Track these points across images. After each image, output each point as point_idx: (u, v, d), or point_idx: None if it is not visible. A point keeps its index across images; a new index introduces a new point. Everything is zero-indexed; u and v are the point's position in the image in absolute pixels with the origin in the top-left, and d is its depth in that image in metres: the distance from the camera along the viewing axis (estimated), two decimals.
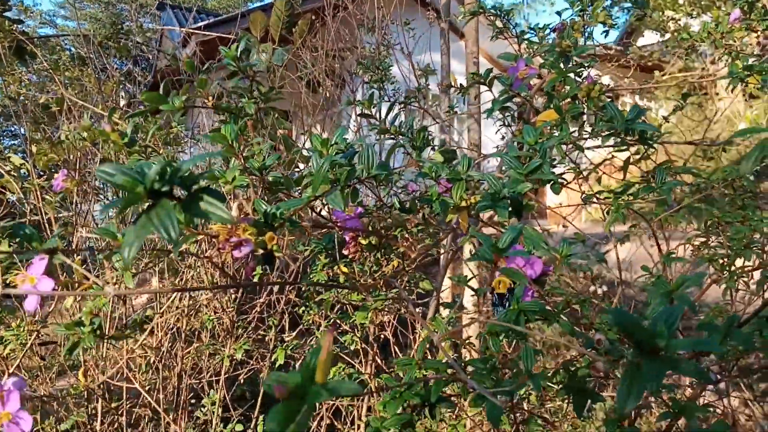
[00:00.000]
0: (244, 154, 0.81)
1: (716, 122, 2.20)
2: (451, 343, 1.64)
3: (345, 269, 0.94)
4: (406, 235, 1.10)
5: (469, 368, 0.66)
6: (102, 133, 0.73)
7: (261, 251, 0.60)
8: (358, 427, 2.24)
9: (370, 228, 0.99)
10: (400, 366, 0.66)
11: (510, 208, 0.87)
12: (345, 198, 0.68)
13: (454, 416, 1.24)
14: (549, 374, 0.74)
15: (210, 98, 0.78)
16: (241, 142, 0.79)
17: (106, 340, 0.66)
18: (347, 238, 0.98)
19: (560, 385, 0.77)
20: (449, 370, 0.61)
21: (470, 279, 1.12)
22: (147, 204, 0.42)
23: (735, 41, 1.36)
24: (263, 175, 0.77)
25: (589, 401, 0.73)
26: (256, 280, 1.18)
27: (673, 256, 0.96)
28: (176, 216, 0.39)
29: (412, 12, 3.45)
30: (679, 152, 2.66)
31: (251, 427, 2.37)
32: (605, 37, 1.54)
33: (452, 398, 0.70)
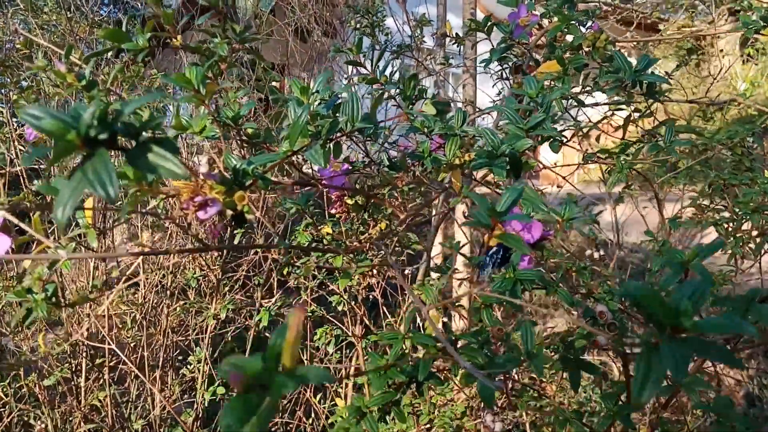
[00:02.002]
0: (217, 102, 0.74)
1: (718, 81, 2.12)
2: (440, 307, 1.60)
3: (329, 230, 0.88)
4: (396, 194, 1.04)
5: (460, 342, 0.61)
6: (57, 73, 0.65)
7: (230, 212, 0.53)
8: (346, 386, 2.23)
9: (356, 187, 0.92)
10: (386, 339, 0.61)
11: (508, 167, 0.80)
12: (326, 153, 0.61)
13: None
14: (544, 344, 0.69)
15: (179, 36, 0.70)
16: (213, 88, 0.71)
17: (63, 308, 0.60)
18: (333, 197, 0.92)
19: (555, 356, 0.73)
20: (438, 344, 0.56)
21: (463, 245, 1.06)
22: (83, 155, 0.35)
23: None
24: (238, 125, 0.69)
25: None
26: (236, 241, 1.12)
27: (678, 219, 0.91)
28: (113, 170, 0.33)
29: None
30: (678, 111, 2.58)
31: None
32: None
33: (440, 372, 0.65)
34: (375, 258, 0.90)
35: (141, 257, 2.18)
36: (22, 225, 0.54)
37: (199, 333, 2.42)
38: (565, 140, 1.06)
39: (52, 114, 0.34)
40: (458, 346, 0.59)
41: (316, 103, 0.66)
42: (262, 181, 0.53)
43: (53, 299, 0.57)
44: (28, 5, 2.08)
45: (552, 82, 1.05)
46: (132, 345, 2.33)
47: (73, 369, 2.25)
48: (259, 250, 1.76)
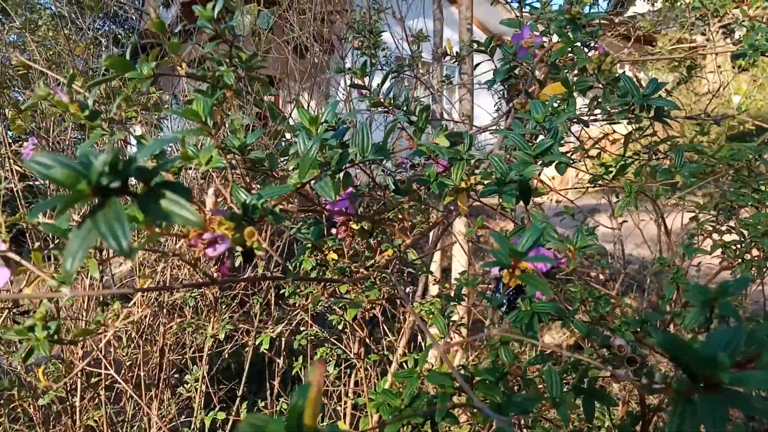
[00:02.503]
0: (222, 128, 0.72)
1: (715, 96, 2.13)
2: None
3: (335, 256, 0.86)
4: (401, 216, 1.02)
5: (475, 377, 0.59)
6: (59, 104, 0.64)
7: (239, 248, 0.52)
8: (345, 403, 2.20)
9: (362, 211, 0.91)
10: (400, 378, 0.59)
11: (517, 194, 0.79)
12: (336, 184, 0.60)
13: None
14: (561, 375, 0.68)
15: (184, 65, 0.69)
16: (218, 115, 0.70)
17: (65, 344, 0.58)
18: (338, 221, 0.90)
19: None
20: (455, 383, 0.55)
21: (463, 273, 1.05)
22: (94, 203, 0.33)
23: (752, 11, 1.28)
24: (244, 154, 0.68)
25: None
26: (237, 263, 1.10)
27: (694, 246, 0.89)
28: (127, 221, 0.31)
29: None
30: (675, 126, 2.59)
31: (236, 402, 2.32)
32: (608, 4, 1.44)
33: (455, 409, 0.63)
34: (381, 284, 0.88)
35: (137, 270, 2.16)
36: (23, 262, 0.52)
37: (196, 351, 2.39)
38: (571, 162, 1.05)
39: (62, 162, 0.32)
40: (474, 381, 0.57)
41: (324, 131, 0.65)
42: (272, 216, 0.52)
43: (55, 336, 0.55)
44: (25, 24, 2.07)
45: (558, 104, 1.04)
46: (128, 363, 2.30)
47: (68, 388, 2.22)
48: (257, 266, 1.74)
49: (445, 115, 2.98)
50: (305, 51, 2.52)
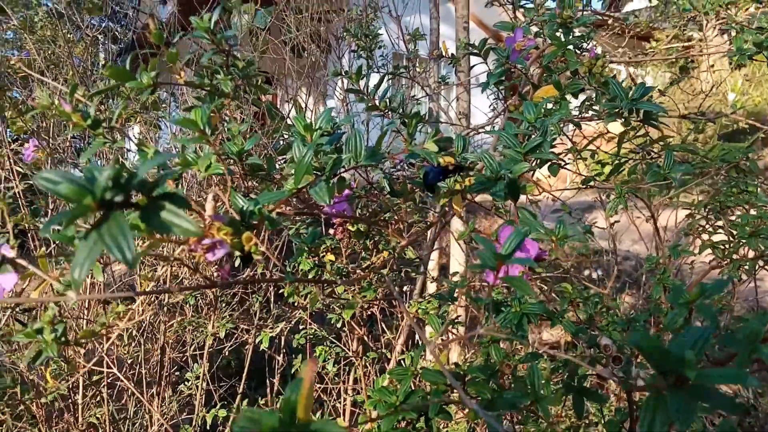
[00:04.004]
0: (222, 128, 0.75)
1: (708, 95, 2.15)
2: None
3: (332, 257, 0.88)
4: (396, 217, 1.04)
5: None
6: (63, 113, 0.66)
7: (238, 253, 0.54)
8: (344, 400, 2.23)
9: (358, 213, 0.93)
10: (395, 375, 0.62)
11: (506, 190, 0.81)
12: (330, 189, 0.62)
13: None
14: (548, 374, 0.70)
15: (183, 73, 0.71)
16: (217, 120, 0.72)
17: (71, 344, 0.60)
18: (335, 223, 0.92)
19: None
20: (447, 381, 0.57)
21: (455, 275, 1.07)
22: (98, 216, 0.35)
23: (737, 12, 1.30)
24: (242, 159, 0.70)
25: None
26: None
27: (679, 247, 0.92)
28: (131, 233, 0.33)
29: None
30: (672, 123, 2.61)
31: (236, 400, 2.35)
32: (602, 5, 1.46)
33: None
34: (377, 285, 0.90)
35: (139, 269, 2.18)
36: (30, 266, 0.55)
37: (197, 349, 2.41)
38: (563, 164, 1.08)
39: (68, 178, 0.35)
40: (466, 379, 0.60)
41: (319, 137, 0.67)
42: (269, 221, 0.54)
43: (62, 338, 0.57)
44: (24, 23, 2.09)
45: (552, 105, 1.06)
46: (129, 361, 2.33)
47: (70, 386, 2.24)
48: (256, 266, 1.76)
49: (442, 114, 3.00)
50: (302, 51, 2.54)
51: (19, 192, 1.76)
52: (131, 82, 0.66)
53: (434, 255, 2.94)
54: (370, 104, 0.97)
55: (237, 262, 0.76)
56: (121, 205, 0.36)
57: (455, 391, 0.59)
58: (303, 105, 2.86)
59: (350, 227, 0.90)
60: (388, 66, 3.07)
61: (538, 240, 0.66)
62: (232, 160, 0.74)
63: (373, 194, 0.96)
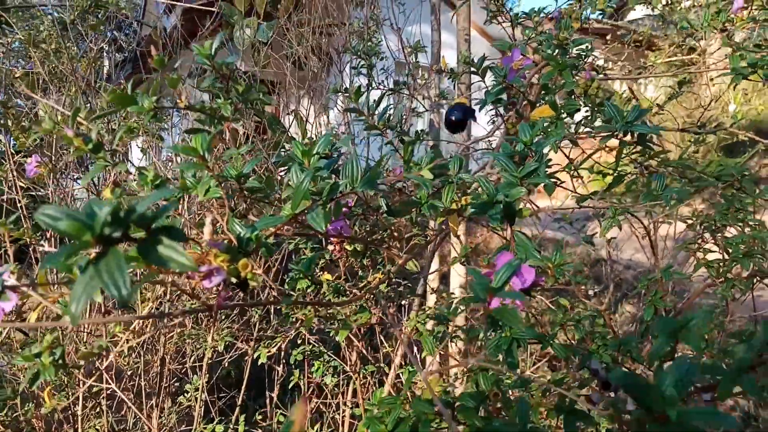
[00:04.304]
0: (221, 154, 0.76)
1: (707, 109, 2.16)
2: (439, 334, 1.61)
3: (329, 276, 0.89)
4: (394, 235, 1.05)
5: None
6: (65, 138, 0.67)
7: (234, 279, 0.55)
8: (343, 412, 2.23)
9: (356, 230, 0.94)
10: (384, 404, 0.62)
11: (502, 214, 0.82)
12: (327, 215, 0.63)
13: None
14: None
15: (183, 97, 0.72)
16: (217, 143, 0.73)
17: (68, 368, 0.61)
18: (333, 242, 0.93)
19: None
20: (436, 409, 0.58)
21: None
22: (96, 251, 0.37)
23: (734, 29, 1.31)
24: (241, 183, 0.71)
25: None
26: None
27: (672, 268, 0.93)
28: (127, 270, 0.34)
29: None
30: (670, 136, 2.62)
31: (236, 412, 2.35)
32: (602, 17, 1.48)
33: None
34: (372, 306, 0.92)
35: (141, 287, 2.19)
36: (30, 292, 0.56)
37: (196, 360, 2.42)
38: (559, 182, 1.08)
39: (68, 214, 0.36)
40: (456, 405, 0.60)
41: (317, 161, 0.68)
42: (266, 249, 0.55)
43: (60, 361, 0.58)
44: (28, 39, 2.11)
45: (546, 126, 1.07)
46: (129, 373, 2.33)
47: (70, 396, 2.25)
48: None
49: (442, 126, 3.01)
50: (303, 65, 2.56)
51: (22, 206, 1.77)
52: (133, 107, 0.68)
53: (434, 264, 2.94)
54: (368, 124, 0.98)
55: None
56: (120, 240, 0.37)
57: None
58: (305, 114, 2.88)
59: (347, 246, 0.91)
60: (390, 78, 3.09)
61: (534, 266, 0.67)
62: (230, 181, 0.75)
63: (370, 213, 0.97)
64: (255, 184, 0.71)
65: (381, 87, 1.97)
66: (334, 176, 0.70)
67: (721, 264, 1.06)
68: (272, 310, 2.51)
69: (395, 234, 1.03)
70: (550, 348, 0.64)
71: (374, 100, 1.09)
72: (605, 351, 0.69)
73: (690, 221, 1.44)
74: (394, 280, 1.50)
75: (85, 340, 2.17)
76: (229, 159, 0.74)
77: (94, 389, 2.24)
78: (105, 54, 3.26)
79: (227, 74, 0.73)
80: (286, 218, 0.61)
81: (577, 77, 1.07)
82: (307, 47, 2.42)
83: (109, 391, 2.26)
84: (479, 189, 0.89)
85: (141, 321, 2.33)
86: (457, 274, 2.88)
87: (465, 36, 3.08)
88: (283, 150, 1.49)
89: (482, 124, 2.59)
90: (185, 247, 0.58)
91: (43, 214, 0.36)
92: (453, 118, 1.21)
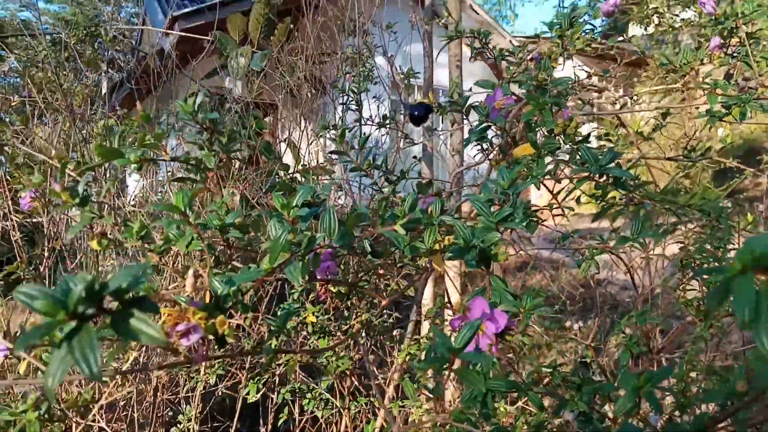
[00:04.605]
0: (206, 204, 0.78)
1: (692, 139, 2.19)
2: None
3: (313, 318, 0.91)
4: (380, 272, 1.07)
5: None
6: (52, 192, 0.69)
7: (212, 336, 0.57)
8: None
9: (341, 271, 0.95)
10: None
11: (478, 259, 0.84)
12: (305, 267, 0.65)
13: None
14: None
15: (168, 149, 0.74)
16: (203, 193, 0.75)
17: (54, 422, 0.62)
18: (318, 285, 0.95)
19: None
20: None
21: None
22: (70, 327, 0.38)
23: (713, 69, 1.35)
24: (224, 233, 0.73)
25: None
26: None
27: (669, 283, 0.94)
28: (98, 349, 0.36)
29: (393, 15, 3.39)
30: (659, 163, 2.65)
31: None
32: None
33: None
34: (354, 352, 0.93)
35: None
36: (23, 354, 0.57)
37: (190, 390, 2.41)
38: (541, 221, 1.10)
39: (44, 293, 0.37)
40: None
41: (296, 212, 0.70)
42: (242, 308, 0.57)
43: (46, 415, 0.59)
44: (24, 71, 2.14)
45: (528, 164, 1.09)
46: (122, 403, 2.32)
47: (63, 428, 2.24)
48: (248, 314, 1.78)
49: (435, 151, 3.04)
50: (297, 92, 2.60)
51: (18, 239, 1.79)
52: (119, 160, 0.70)
53: (428, 290, 2.95)
54: (353, 166, 1.01)
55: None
56: (94, 316, 0.39)
57: None
58: (299, 134, 2.91)
59: (332, 288, 0.93)
60: (383, 103, 3.13)
61: (507, 311, 0.69)
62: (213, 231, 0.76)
63: (354, 254, 0.98)
64: (237, 234, 0.73)
65: (370, 122, 2.00)
66: (315, 222, 0.71)
67: (700, 302, 1.08)
68: (265, 337, 2.51)
69: (381, 272, 1.04)
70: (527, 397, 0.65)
71: (359, 140, 1.12)
72: (579, 398, 0.70)
73: (682, 244, 1.46)
74: (385, 312, 1.51)
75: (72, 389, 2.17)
76: (212, 210, 0.76)
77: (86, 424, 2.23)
78: (102, 74, 3.29)
79: (210, 127, 0.75)
80: (264, 272, 0.63)
81: (555, 117, 1.09)
82: (299, 79, 2.46)
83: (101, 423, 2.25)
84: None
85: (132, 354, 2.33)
86: (454, 291, 2.89)
87: (456, 62, 3.13)
88: (277, 177, 1.52)
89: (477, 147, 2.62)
90: (165, 304, 0.59)
91: (19, 292, 0.38)
92: (416, 113, 1.37)
